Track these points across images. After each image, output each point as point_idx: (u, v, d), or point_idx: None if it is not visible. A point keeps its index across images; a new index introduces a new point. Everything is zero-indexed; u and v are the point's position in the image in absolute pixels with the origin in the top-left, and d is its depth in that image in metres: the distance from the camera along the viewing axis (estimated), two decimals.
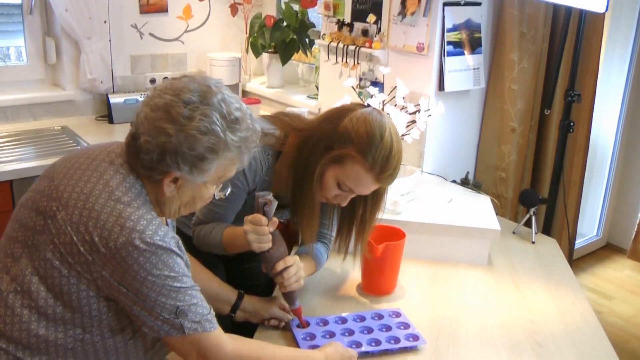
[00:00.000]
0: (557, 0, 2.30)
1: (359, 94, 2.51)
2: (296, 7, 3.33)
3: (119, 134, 3.05)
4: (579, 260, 3.83)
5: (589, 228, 4.04)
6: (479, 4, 2.56)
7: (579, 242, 3.86)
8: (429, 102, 2.33)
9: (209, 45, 3.62)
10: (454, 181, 2.55)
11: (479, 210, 2.21)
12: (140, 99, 3.24)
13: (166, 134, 1.19)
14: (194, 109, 1.20)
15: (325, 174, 1.58)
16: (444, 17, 2.45)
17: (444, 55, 2.49)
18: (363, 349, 1.56)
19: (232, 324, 1.66)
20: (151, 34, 3.39)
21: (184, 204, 1.32)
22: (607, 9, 2.08)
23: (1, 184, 2.48)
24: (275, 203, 1.53)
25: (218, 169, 1.26)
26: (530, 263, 2.14)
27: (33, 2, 3.01)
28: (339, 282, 1.93)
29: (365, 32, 2.72)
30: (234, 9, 3.54)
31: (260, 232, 1.53)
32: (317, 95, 3.19)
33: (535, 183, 2.93)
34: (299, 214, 1.66)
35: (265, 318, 1.68)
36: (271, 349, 1.43)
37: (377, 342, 1.59)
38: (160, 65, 3.47)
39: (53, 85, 3.24)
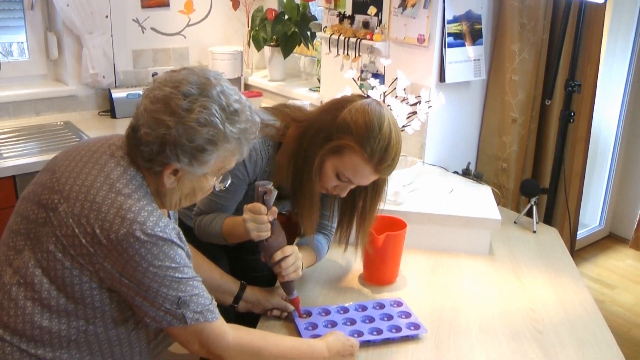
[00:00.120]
0: None
1: (360, 86, 2.52)
2: (297, 0, 3.34)
3: (122, 128, 2.98)
4: (581, 250, 3.84)
5: (592, 218, 4.04)
6: None
7: (582, 232, 3.86)
8: (429, 94, 2.33)
9: (210, 39, 3.62)
10: (455, 172, 2.55)
11: (480, 201, 2.22)
12: None
13: (166, 126, 1.20)
14: (193, 101, 1.21)
15: (325, 164, 1.58)
16: (444, 8, 2.44)
17: (445, 47, 2.48)
18: (364, 337, 1.57)
19: (235, 315, 1.67)
20: (153, 29, 3.39)
21: (184, 195, 1.33)
22: (606, 0, 2.08)
23: (4, 180, 2.48)
24: (275, 192, 1.53)
25: (217, 160, 1.27)
26: (531, 252, 2.15)
27: None
28: (341, 273, 1.94)
29: (366, 25, 2.72)
30: (235, 3, 3.54)
31: (259, 220, 1.54)
32: (319, 87, 3.20)
33: (536, 173, 2.93)
34: (299, 205, 1.66)
35: (267, 308, 1.68)
36: (273, 339, 1.43)
37: (379, 331, 1.60)
38: (162, 60, 3.47)
39: (55, 81, 3.24)
